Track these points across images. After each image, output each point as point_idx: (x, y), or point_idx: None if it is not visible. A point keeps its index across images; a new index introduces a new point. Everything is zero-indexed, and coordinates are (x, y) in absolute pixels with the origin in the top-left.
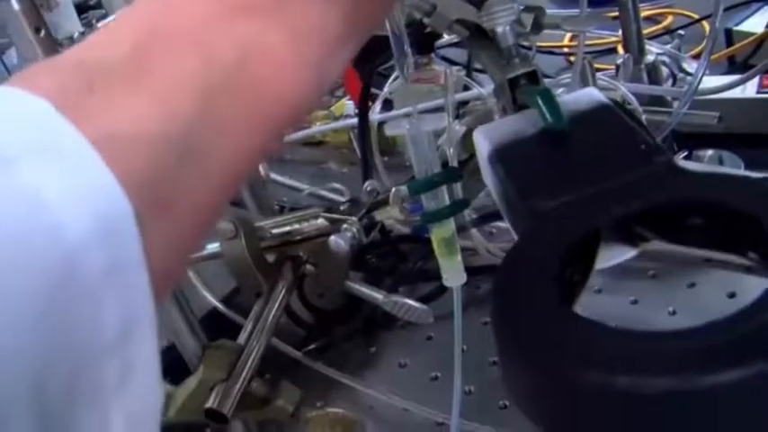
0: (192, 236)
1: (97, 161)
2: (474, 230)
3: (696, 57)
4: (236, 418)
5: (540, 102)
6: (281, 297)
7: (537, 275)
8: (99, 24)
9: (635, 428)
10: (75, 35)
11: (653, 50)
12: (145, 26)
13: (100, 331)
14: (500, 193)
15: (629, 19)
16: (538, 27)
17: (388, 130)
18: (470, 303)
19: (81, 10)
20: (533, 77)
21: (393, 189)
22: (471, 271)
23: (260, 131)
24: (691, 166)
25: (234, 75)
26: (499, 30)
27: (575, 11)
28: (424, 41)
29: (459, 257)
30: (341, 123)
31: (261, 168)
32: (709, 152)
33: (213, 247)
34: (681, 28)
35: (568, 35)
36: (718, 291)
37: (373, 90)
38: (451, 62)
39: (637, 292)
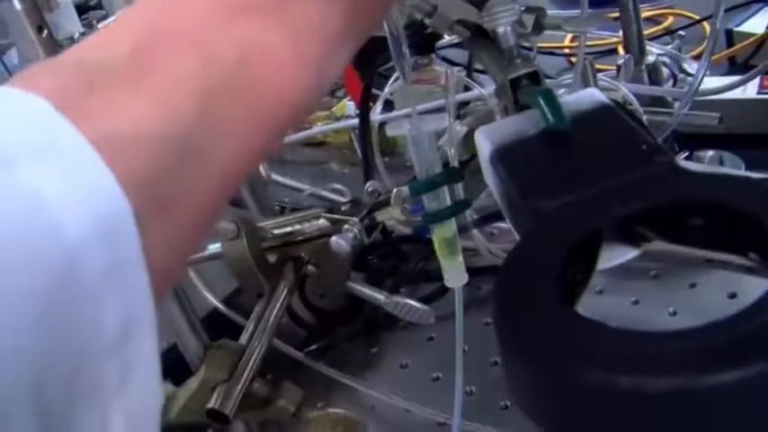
0: (192, 236)
1: (97, 161)
2: (475, 231)
3: (697, 57)
4: (237, 419)
5: (541, 102)
6: (282, 297)
7: (539, 276)
8: (99, 25)
9: (636, 428)
10: (76, 36)
11: (654, 51)
12: (145, 26)
13: (100, 331)
14: (501, 194)
15: (629, 20)
16: (539, 28)
17: (390, 131)
18: (472, 304)
19: (81, 11)
20: (535, 78)
21: (394, 190)
22: (473, 271)
23: (260, 132)
24: (692, 166)
25: (234, 75)
26: (500, 30)
27: (576, 12)
28: (424, 42)
29: (461, 258)
30: (342, 124)
31: (262, 169)
32: (710, 153)
33: (215, 247)
34: (681, 29)
35: (569, 36)
36: (718, 291)
37: (374, 91)
38: (452, 63)
39: (638, 293)
